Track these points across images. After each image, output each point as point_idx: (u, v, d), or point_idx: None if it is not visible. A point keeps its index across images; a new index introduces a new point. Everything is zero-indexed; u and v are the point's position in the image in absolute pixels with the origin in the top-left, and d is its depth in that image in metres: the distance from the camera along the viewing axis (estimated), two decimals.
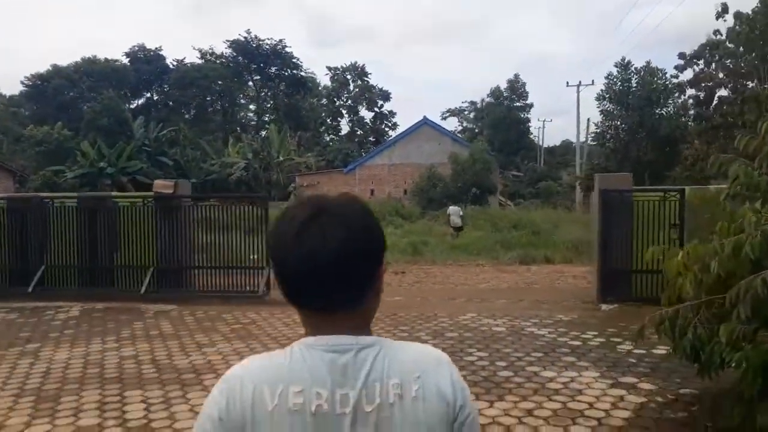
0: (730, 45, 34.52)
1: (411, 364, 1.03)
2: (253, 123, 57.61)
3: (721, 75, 37.80)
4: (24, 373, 5.76)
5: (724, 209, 4.11)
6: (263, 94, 56.08)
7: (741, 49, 33.03)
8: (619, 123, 28.31)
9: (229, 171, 37.50)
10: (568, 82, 36.73)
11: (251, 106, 58.34)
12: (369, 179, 36.96)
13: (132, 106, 49.16)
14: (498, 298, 9.40)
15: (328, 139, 55.27)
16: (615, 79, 28.53)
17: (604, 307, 8.35)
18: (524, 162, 48.89)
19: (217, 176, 37.65)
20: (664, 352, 6.04)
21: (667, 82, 30.00)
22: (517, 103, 48.86)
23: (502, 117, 47.56)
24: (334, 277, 0.99)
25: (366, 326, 1.07)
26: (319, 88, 57.91)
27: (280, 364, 1.01)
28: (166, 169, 36.52)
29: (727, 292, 3.51)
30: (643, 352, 6.04)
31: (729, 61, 36.02)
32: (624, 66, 28.74)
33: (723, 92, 37.28)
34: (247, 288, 9.37)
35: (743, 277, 3.63)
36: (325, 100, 56.60)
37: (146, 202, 9.70)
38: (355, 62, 55.47)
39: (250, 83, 55.78)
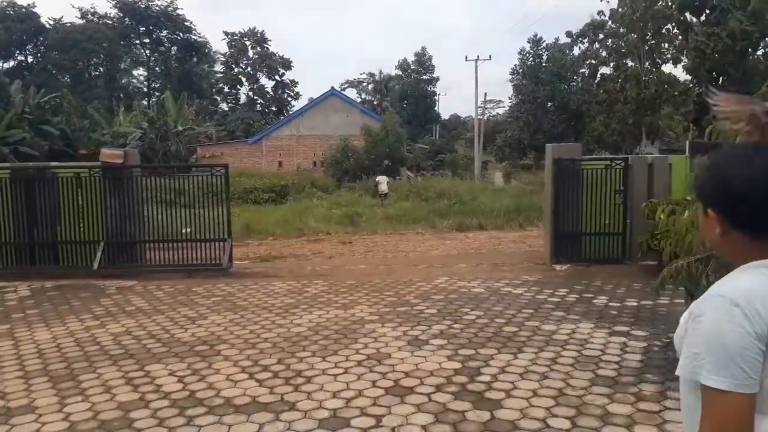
0: (613, 25, 37.36)
1: None
2: (141, 90, 54.14)
3: (604, 53, 40.87)
4: (13, 355, 5.36)
5: None
6: (153, 58, 52.70)
7: (623, 30, 35.84)
8: (531, 97, 29.88)
9: (122, 141, 35.12)
10: (467, 57, 37.93)
11: (136, 72, 54.70)
12: (276, 150, 36.32)
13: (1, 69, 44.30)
14: (456, 263, 9.86)
15: (226, 108, 53.17)
16: (528, 55, 29.93)
17: (558, 267, 9.07)
18: (422, 136, 50.14)
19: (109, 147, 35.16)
20: (635, 303, 6.79)
21: (573, 58, 31.84)
22: (424, 76, 49.88)
23: (410, 90, 48.45)
24: None
25: None
26: (212, 53, 55.34)
27: (764, 281, 1.21)
28: (51, 139, 33.56)
29: None
30: (618, 304, 6.74)
31: (611, 40, 38.98)
32: (536, 42, 30.21)
33: (606, 70, 40.34)
34: (209, 261, 9.11)
35: None
36: (222, 66, 54.27)
37: (93, 172, 9.07)
38: (254, 27, 53.60)
39: (139, 47, 52.17)
